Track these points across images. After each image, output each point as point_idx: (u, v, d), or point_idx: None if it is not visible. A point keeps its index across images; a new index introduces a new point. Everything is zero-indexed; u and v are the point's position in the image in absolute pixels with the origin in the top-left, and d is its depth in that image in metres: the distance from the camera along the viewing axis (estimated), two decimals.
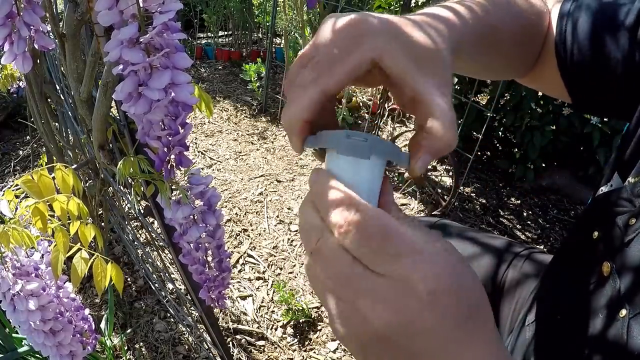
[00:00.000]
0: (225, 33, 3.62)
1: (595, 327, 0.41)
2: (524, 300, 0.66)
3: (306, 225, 0.30)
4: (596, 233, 0.44)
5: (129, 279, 1.45)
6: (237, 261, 1.59)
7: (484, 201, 2.03)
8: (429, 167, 1.90)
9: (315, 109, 0.31)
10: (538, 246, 1.76)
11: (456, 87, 2.01)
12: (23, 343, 0.91)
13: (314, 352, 1.31)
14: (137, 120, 0.41)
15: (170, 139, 0.41)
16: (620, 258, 0.40)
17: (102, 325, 1.17)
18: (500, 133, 2.11)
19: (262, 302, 1.45)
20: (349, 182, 0.29)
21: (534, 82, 0.56)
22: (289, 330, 1.37)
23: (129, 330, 1.28)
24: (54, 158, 1.10)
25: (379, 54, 0.30)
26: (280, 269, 1.57)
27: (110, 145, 0.59)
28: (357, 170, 0.30)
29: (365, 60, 0.30)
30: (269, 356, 1.29)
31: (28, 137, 2.12)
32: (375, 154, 0.30)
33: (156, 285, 1.32)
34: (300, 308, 1.38)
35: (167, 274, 1.26)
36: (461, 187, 2.01)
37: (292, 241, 1.70)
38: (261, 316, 1.40)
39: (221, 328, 1.29)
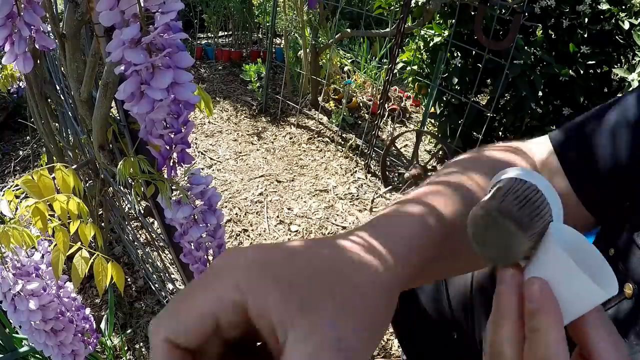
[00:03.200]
0: (226, 33, 3.61)
1: None
2: None
3: None
4: (612, 250, 0.42)
5: (129, 279, 1.45)
6: None
7: None
8: (430, 167, 1.89)
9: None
10: None
11: (456, 87, 2.01)
12: (23, 343, 0.91)
13: None
14: (139, 119, 0.41)
15: (172, 137, 0.42)
16: None
17: (102, 325, 1.17)
18: (500, 133, 2.11)
19: None
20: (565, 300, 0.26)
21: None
22: None
23: (129, 331, 1.28)
24: (54, 158, 1.10)
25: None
26: None
27: (111, 145, 0.59)
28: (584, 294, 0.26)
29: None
30: None
31: (28, 137, 2.12)
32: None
33: (156, 285, 1.32)
34: None
35: (167, 274, 1.26)
36: None
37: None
38: None
39: None
